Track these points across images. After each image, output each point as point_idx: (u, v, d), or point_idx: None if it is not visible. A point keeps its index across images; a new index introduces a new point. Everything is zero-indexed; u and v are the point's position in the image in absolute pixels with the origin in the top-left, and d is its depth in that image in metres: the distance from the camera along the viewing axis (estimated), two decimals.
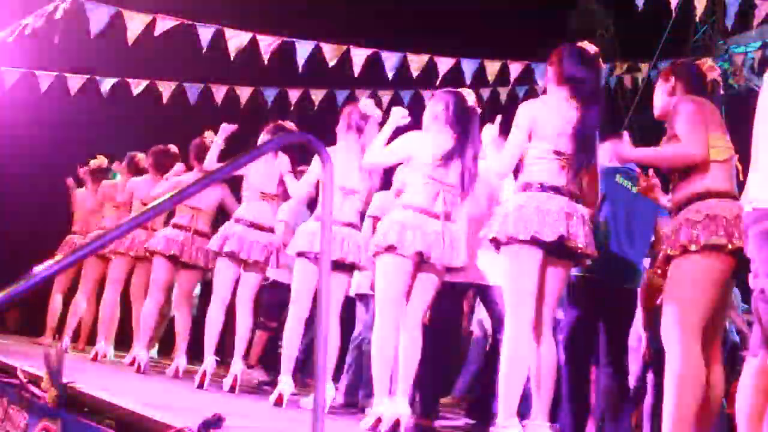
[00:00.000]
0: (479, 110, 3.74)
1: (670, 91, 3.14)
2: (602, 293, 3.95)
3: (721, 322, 2.97)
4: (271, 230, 4.78)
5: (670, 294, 2.90)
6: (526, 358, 3.15)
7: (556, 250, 3.16)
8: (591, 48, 3.38)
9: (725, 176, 2.91)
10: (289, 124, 4.82)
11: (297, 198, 4.54)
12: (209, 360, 4.55)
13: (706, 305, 2.80)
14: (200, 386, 4.40)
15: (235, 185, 5.13)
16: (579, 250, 3.14)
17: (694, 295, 2.81)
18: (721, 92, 3.23)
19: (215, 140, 4.90)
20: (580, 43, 3.39)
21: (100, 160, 6.92)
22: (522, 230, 3.08)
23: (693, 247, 2.79)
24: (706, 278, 2.80)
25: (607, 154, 3.90)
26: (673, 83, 3.14)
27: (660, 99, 3.19)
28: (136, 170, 6.22)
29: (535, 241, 3.08)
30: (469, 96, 3.73)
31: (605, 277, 3.93)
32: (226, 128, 4.93)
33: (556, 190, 3.16)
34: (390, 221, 3.53)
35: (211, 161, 4.79)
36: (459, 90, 3.76)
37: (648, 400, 5.64)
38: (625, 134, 3.26)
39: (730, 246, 2.74)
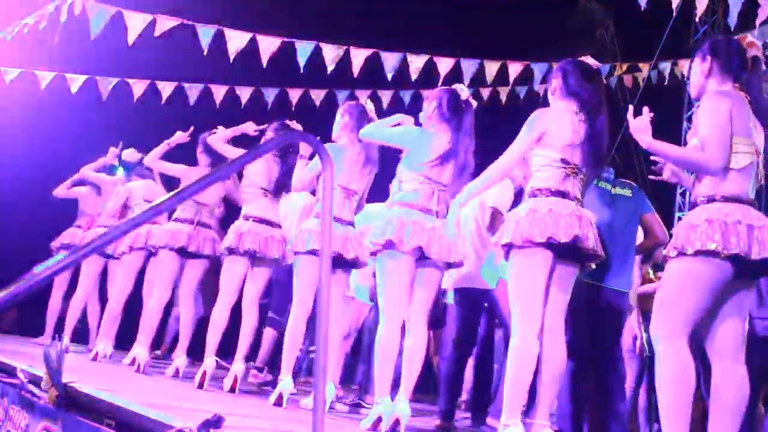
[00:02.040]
0: (474, 103, 3.74)
1: (707, 71, 2.99)
2: (585, 292, 3.92)
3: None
4: (279, 226, 4.80)
5: (660, 294, 2.87)
6: (534, 360, 3.14)
7: (567, 253, 3.16)
8: (593, 62, 3.40)
9: (741, 181, 2.82)
10: (293, 123, 4.82)
11: (300, 188, 4.52)
12: (209, 360, 4.55)
13: (693, 310, 2.74)
14: (200, 386, 4.40)
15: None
16: (591, 252, 3.15)
17: (681, 299, 2.76)
18: (764, 67, 3.02)
19: (229, 130, 5.04)
20: (582, 58, 3.40)
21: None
22: (537, 233, 3.08)
23: (689, 251, 2.74)
24: (695, 284, 2.75)
25: None
26: (709, 63, 2.99)
27: (696, 79, 3.06)
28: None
29: (549, 244, 3.09)
30: (463, 91, 3.72)
31: (588, 276, 3.87)
32: (247, 127, 5.05)
33: (564, 195, 3.17)
34: (387, 218, 3.53)
35: (217, 138, 4.97)
36: (451, 86, 3.75)
37: (644, 399, 5.66)
38: (645, 110, 3.06)
39: (725, 252, 2.67)
